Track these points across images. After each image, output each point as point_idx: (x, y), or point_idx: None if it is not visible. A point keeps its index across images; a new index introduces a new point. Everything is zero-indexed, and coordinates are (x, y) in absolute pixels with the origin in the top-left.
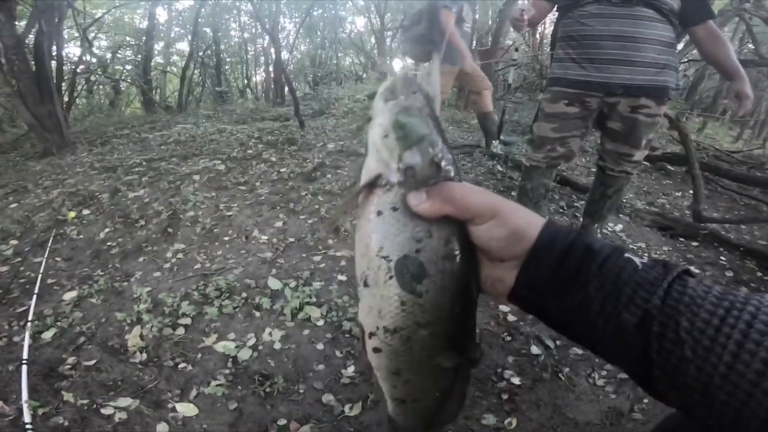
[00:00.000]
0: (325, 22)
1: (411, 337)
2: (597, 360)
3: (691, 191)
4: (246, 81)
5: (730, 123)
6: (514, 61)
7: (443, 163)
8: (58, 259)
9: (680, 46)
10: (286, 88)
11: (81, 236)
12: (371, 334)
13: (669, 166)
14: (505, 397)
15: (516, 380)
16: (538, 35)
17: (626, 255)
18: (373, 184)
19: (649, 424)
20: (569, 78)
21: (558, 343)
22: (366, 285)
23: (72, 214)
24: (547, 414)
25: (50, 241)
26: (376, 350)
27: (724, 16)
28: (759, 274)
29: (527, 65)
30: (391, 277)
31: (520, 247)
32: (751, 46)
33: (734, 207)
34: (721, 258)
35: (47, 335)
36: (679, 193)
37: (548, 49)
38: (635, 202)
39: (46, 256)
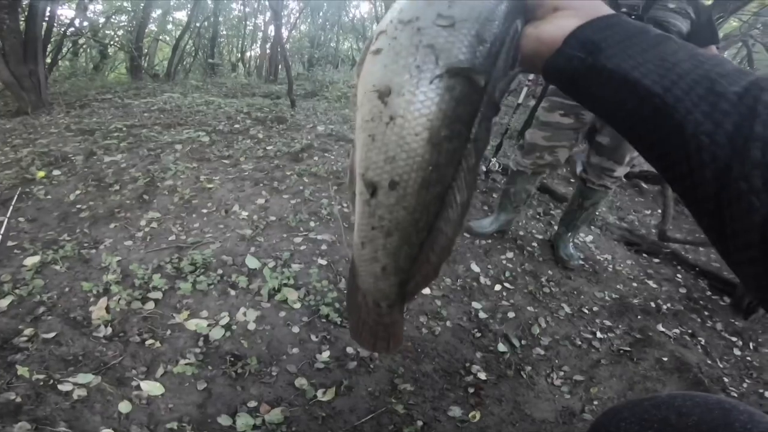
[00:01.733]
0: (330, 4)
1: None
2: (556, 361)
3: (660, 211)
4: (240, 55)
5: None
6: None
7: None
8: (21, 219)
9: None
10: (281, 66)
11: (49, 196)
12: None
13: (643, 184)
14: (471, 390)
15: (482, 375)
16: None
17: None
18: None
19: None
20: (571, 103)
21: (523, 342)
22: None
23: (41, 173)
24: (507, 409)
25: (14, 199)
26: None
27: (728, 40)
28: (708, 293)
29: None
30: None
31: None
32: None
33: (697, 230)
34: (678, 276)
35: (3, 303)
36: (649, 212)
37: None
38: (607, 216)
39: (8, 215)
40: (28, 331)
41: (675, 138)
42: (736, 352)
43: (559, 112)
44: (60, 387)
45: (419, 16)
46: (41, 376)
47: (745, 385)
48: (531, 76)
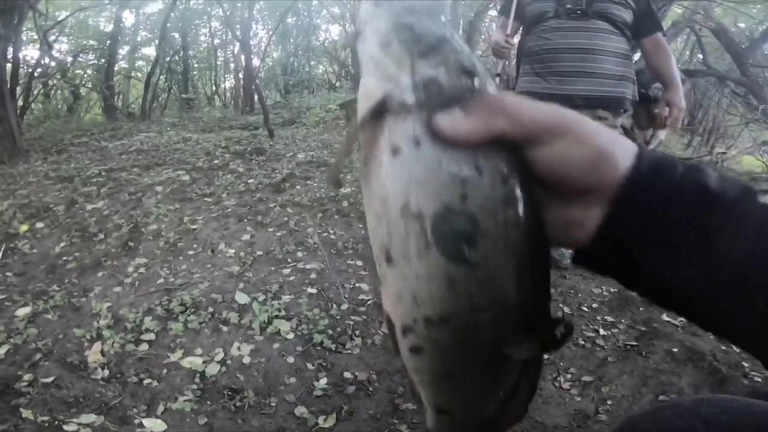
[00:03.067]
0: (299, 29)
1: (466, 327)
2: (562, 363)
3: None
4: (214, 88)
5: (681, 131)
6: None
7: (477, 72)
8: (9, 274)
9: (636, 57)
10: (257, 96)
11: (34, 250)
12: (406, 329)
13: None
14: None
15: None
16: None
17: (760, 198)
18: (379, 112)
19: (614, 425)
20: (535, 92)
21: None
22: (390, 261)
23: (24, 227)
24: None
25: (0, 255)
26: (414, 350)
27: (677, 27)
28: None
29: (501, 75)
30: (428, 245)
31: (607, 175)
32: (700, 56)
33: None
34: None
35: (0, 351)
36: None
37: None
38: None
39: None
40: (27, 377)
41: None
42: None
43: None
44: (65, 427)
45: None
46: (46, 418)
47: None
48: (497, 81)
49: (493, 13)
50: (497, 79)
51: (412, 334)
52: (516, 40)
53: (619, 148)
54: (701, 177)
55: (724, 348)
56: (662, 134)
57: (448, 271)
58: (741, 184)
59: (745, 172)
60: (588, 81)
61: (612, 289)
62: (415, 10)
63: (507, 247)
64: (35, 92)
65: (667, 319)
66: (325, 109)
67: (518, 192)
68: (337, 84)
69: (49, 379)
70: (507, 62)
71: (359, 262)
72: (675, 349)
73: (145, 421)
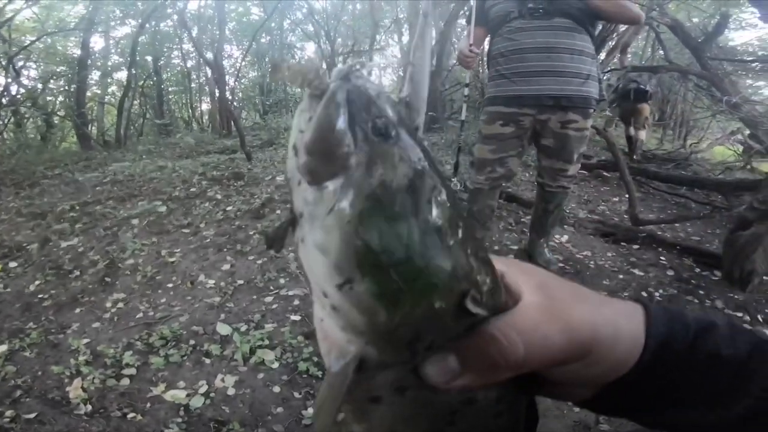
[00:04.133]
0: (273, 48)
1: None
2: None
3: (627, 196)
4: (191, 111)
5: (653, 126)
6: (459, 84)
7: (475, 303)
8: None
9: (602, 56)
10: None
11: (8, 289)
12: None
13: (605, 173)
14: None
15: None
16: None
17: None
18: (351, 373)
19: None
20: (502, 95)
21: None
22: None
23: None
24: None
25: None
26: None
27: (636, 25)
28: (697, 270)
29: (470, 85)
30: None
31: (615, 375)
32: (661, 52)
33: (666, 206)
34: (661, 258)
35: None
36: (617, 199)
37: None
38: (578, 212)
39: None
40: (9, 413)
41: None
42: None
43: (499, 122)
44: None
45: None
46: None
47: None
48: (466, 91)
49: (463, 21)
50: (466, 90)
51: None
52: (485, 47)
53: (631, 339)
54: (712, 340)
55: None
56: (642, 135)
57: None
58: (753, 338)
59: (718, 162)
60: (555, 80)
61: (602, 293)
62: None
63: None
64: (6, 121)
65: None
66: None
67: (512, 401)
68: None
69: (32, 415)
70: (480, 70)
71: None
72: None
73: None
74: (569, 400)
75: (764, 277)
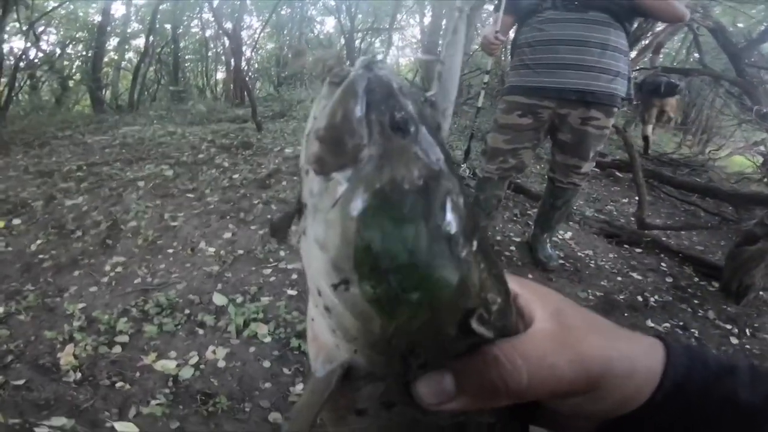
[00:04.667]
0: (293, 21)
1: None
2: None
3: (637, 198)
4: (206, 80)
5: (674, 129)
6: (479, 69)
7: (480, 323)
8: None
9: (633, 54)
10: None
11: (9, 248)
12: None
13: (617, 173)
14: None
15: None
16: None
17: None
18: (339, 381)
19: None
20: (524, 86)
21: None
22: None
23: (0, 223)
24: None
25: None
26: None
27: (675, 25)
28: (696, 279)
29: (491, 72)
30: None
31: (621, 411)
32: (697, 55)
33: (675, 213)
34: (662, 264)
35: None
36: (626, 200)
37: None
38: (585, 210)
39: None
40: None
41: None
42: (733, 340)
43: (517, 112)
44: (36, 430)
45: None
46: (16, 420)
47: None
48: (486, 78)
49: (490, 7)
50: (486, 77)
51: None
52: (511, 35)
53: (645, 376)
54: (731, 385)
55: None
56: (649, 130)
57: None
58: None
59: (735, 172)
60: (582, 74)
61: (598, 293)
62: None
63: None
64: (21, 84)
65: (651, 324)
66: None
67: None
68: None
69: (21, 382)
70: (503, 58)
71: None
72: None
73: (117, 425)
74: (565, 428)
75: (760, 293)
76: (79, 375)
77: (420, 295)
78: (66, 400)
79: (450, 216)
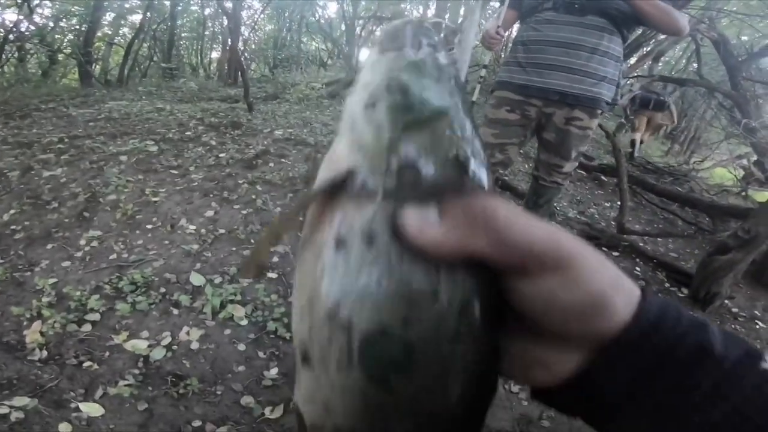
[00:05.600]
0: (295, 4)
1: None
2: None
3: (619, 203)
4: (200, 58)
5: (663, 138)
6: (477, 66)
7: (472, 165)
8: None
9: (632, 61)
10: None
11: None
12: (315, 429)
13: (603, 177)
14: None
15: None
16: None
17: (763, 364)
18: (336, 187)
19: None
20: (512, 82)
21: None
22: (306, 362)
23: None
24: None
25: None
26: None
27: (677, 37)
28: (667, 285)
29: (489, 67)
30: (351, 361)
31: (600, 325)
32: (695, 65)
33: (654, 220)
34: (636, 269)
35: None
36: (608, 204)
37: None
38: (567, 211)
39: None
40: None
41: None
42: None
43: (506, 108)
44: None
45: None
46: None
47: None
48: (483, 72)
49: (496, 4)
50: (483, 72)
51: None
52: (503, 30)
53: (621, 296)
54: (705, 335)
55: None
56: (644, 137)
57: (367, 391)
58: (744, 345)
59: (715, 184)
60: (566, 77)
61: None
62: (419, 69)
63: (441, 380)
64: (9, 56)
65: None
66: (310, 87)
67: (475, 325)
68: (329, 62)
69: None
70: (502, 54)
71: None
72: None
73: (82, 405)
74: (530, 382)
75: (726, 301)
76: (45, 353)
77: (426, 113)
78: (30, 379)
79: (454, 83)
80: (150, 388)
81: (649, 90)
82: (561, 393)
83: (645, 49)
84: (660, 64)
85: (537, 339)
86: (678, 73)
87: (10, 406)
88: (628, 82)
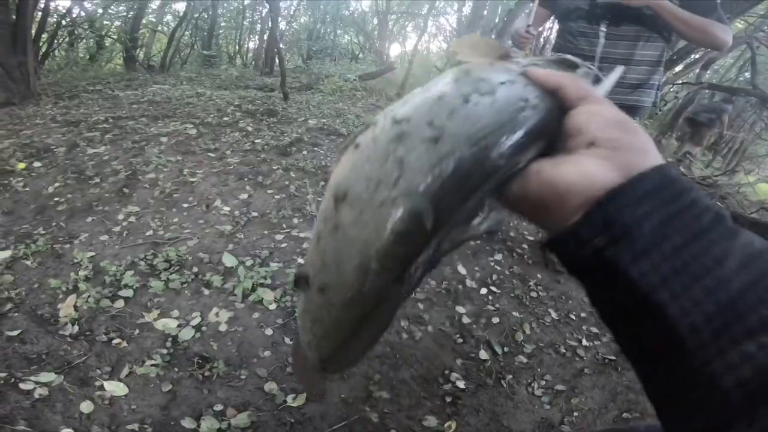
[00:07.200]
0: None
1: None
2: (539, 369)
3: None
4: (237, 47)
5: (705, 149)
6: None
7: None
8: None
9: (679, 68)
10: (277, 59)
11: (27, 189)
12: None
13: None
14: (448, 399)
15: (461, 384)
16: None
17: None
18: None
19: None
20: None
21: (505, 349)
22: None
23: (21, 165)
24: (485, 420)
25: None
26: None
27: (734, 41)
28: None
29: None
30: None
31: (633, 158)
32: (747, 75)
33: None
34: None
35: None
36: None
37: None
38: None
39: None
40: None
41: (687, 377)
42: None
43: None
44: (21, 386)
45: (412, 117)
46: (2, 374)
47: None
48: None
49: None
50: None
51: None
52: (535, 29)
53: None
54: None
55: None
56: (696, 150)
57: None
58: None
59: (757, 200)
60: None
61: None
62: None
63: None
64: (60, 41)
65: None
66: (344, 78)
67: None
68: (360, 55)
69: (15, 333)
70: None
71: None
72: None
73: (107, 384)
74: (555, 217)
75: None
76: (76, 329)
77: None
78: (59, 354)
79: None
80: (176, 369)
81: (706, 108)
82: (579, 228)
83: (694, 56)
84: (708, 71)
85: (577, 158)
86: (728, 82)
87: (36, 382)
88: (673, 88)
